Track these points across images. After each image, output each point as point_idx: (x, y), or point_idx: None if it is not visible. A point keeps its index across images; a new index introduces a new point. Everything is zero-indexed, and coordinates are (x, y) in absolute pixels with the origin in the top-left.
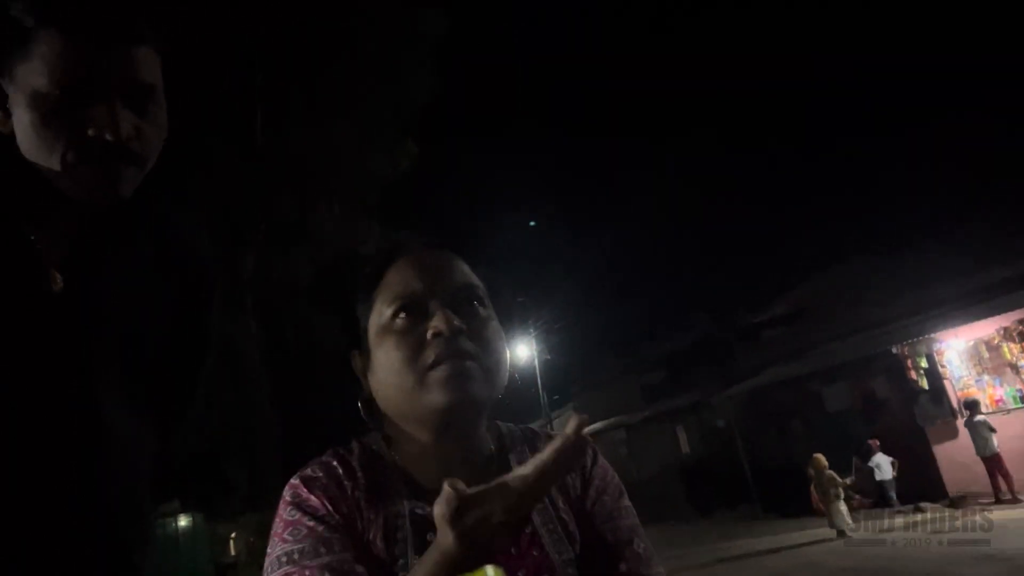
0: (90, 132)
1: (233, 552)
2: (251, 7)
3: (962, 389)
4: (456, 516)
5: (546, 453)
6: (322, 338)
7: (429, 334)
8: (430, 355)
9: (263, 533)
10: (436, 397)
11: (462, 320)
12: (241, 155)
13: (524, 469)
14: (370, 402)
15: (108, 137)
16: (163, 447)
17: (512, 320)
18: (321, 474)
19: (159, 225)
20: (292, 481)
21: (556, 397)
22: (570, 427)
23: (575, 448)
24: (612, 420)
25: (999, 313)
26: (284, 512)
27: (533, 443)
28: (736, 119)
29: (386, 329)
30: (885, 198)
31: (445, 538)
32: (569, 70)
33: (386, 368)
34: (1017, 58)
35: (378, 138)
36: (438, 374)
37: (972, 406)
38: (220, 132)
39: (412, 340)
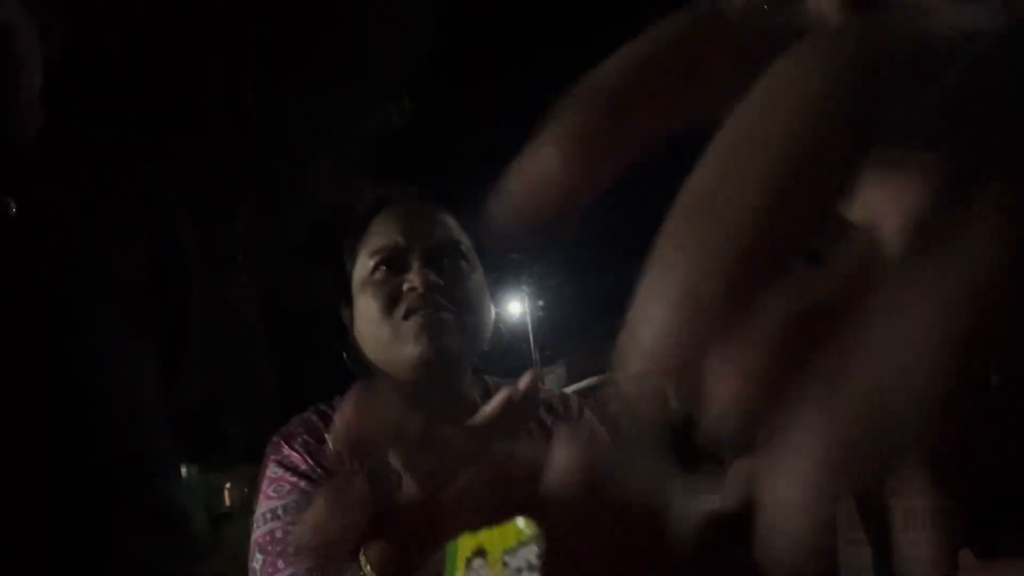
0: None
1: (228, 502)
2: None
3: None
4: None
5: (491, 405)
6: (316, 295)
7: (405, 287)
8: (403, 307)
9: (257, 484)
10: (410, 348)
11: (441, 275)
12: (232, 113)
13: (471, 421)
14: (356, 353)
15: None
16: (170, 388)
17: (504, 274)
18: (302, 430)
19: (121, 159)
20: (274, 439)
21: (548, 353)
22: (521, 381)
23: (524, 401)
24: (605, 376)
25: None
26: (268, 470)
27: None
28: None
29: (366, 281)
30: None
31: (408, 488)
32: (574, 21)
33: (365, 319)
34: None
35: (373, 94)
36: (411, 324)
37: None
38: (211, 90)
39: (388, 291)
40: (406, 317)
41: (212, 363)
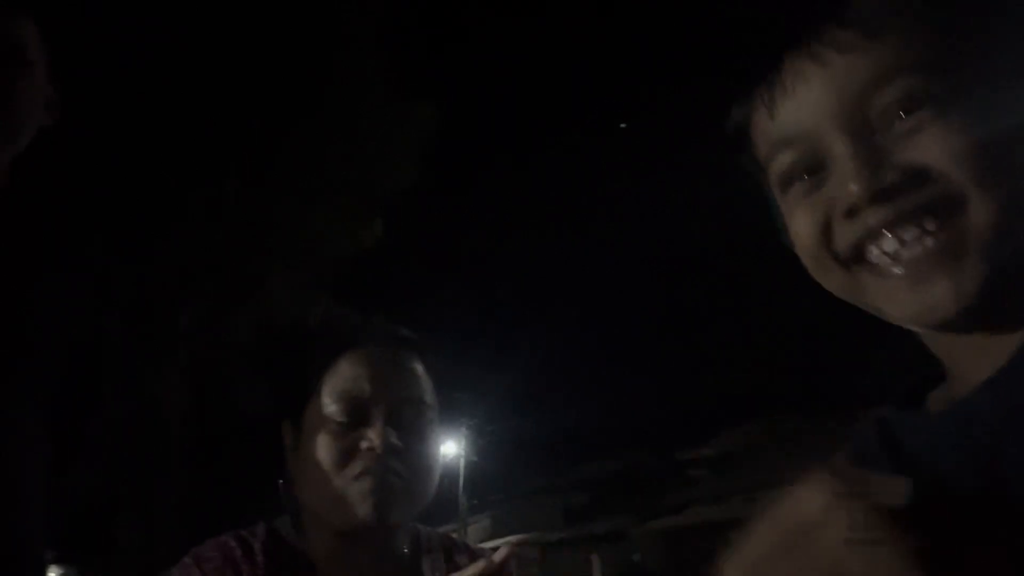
0: None
1: None
2: (244, 88)
3: None
4: None
5: (466, 573)
6: (249, 407)
7: (363, 444)
8: (358, 466)
9: None
10: (354, 510)
11: (400, 434)
12: (208, 212)
13: None
14: (289, 484)
15: None
16: (57, 476)
17: (447, 413)
18: (216, 555)
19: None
20: (184, 560)
21: (475, 502)
22: (498, 555)
23: (498, 573)
24: (528, 535)
25: None
26: None
27: (450, 552)
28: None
29: (324, 423)
30: (824, 361)
31: None
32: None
33: (314, 464)
34: None
35: (345, 215)
36: (361, 486)
37: None
38: (183, 185)
39: (345, 445)
40: (358, 477)
41: (115, 459)
